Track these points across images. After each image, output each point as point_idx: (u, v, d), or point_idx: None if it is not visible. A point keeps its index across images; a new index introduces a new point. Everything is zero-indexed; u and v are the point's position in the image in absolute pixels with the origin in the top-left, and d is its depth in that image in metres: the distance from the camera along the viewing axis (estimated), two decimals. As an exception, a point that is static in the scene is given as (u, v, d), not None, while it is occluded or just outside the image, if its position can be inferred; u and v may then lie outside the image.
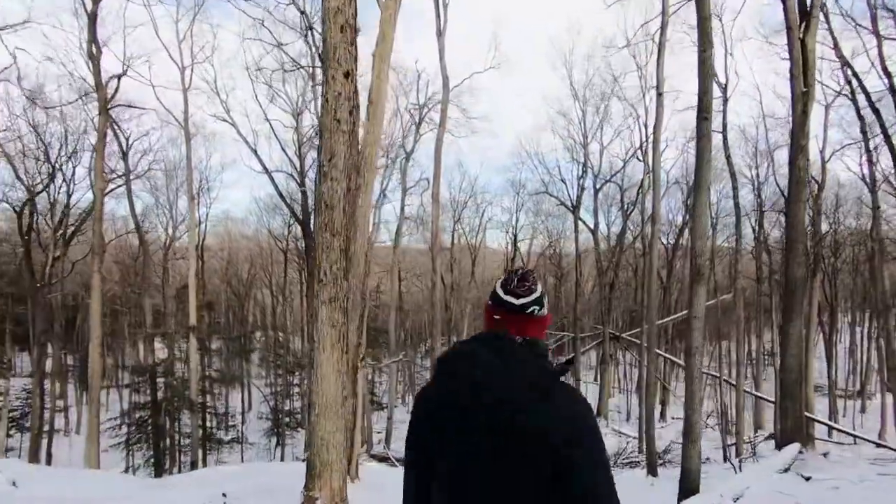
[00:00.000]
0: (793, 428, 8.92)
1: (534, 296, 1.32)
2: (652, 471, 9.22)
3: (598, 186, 23.99)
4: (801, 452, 8.30)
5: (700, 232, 5.22)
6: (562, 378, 1.26)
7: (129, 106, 13.62)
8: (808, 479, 6.06)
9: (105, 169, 19.11)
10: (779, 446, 8.73)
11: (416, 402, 1.37)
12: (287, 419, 24.97)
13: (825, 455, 8.57)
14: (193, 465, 17.64)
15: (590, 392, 29.33)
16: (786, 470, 7.05)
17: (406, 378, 32.75)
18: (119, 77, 11.56)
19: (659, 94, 9.50)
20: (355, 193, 6.45)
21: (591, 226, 24.47)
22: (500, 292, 1.33)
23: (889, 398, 21.80)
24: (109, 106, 10.58)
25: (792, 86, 8.93)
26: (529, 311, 1.31)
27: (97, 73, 10.27)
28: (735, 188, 14.99)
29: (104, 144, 10.50)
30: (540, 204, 29.85)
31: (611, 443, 19.26)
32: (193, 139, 19.46)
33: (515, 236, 30.69)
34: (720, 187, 24.06)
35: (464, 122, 18.80)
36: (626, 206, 24.81)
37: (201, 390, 20.25)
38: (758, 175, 22.05)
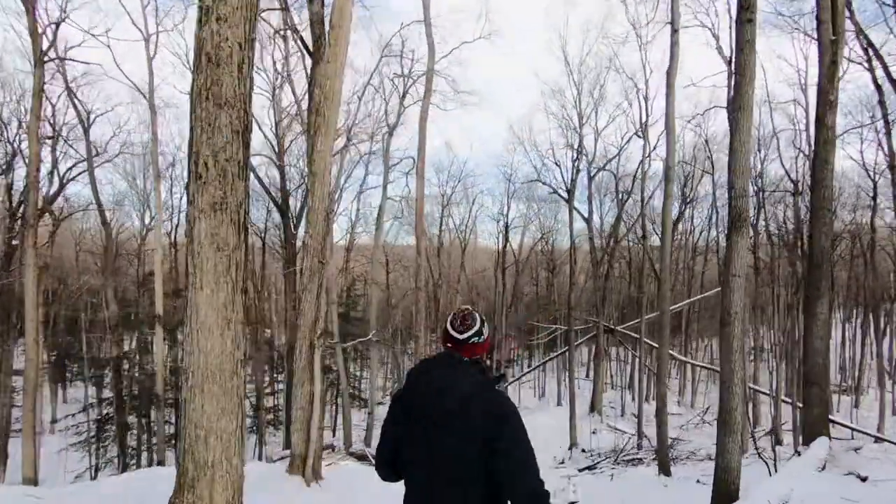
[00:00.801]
0: (818, 419, 7.92)
1: (472, 331, 1.88)
2: (664, 469, 8.17)
3: (592, 174, 22.95)
4: (829, 448, 7.31)
5: (740, 168, 4.13)
6: (496, 387, 1.84)
7: (72, 60, 12.28)
8: (864, 479, 5.04)
9: (63, 145, 17.94)
10: (804, 441, 7.72)
11: (392, 401, 1.96)
12: (269, 416, 23.88)
13: (857, 451, 7.57)
14: (160, 465, 16.48)
15: (583, 388, 28.29)
16: (822, 468, 6.02)
17: (395, 376, 31.60)
18: (57, 24, 10.22)
19: (674, 31, 8.33)
20: (314, 133, 5.31)
21: (585, 214, 23.43)
22: (449, 328, 1.90)
23: (887, 395, 21.02)
24: (45, 58, 9.35)
25: (819, 33, 7.89)
26: (470, 341, 1.88)
27: (32, 20, 8.96)
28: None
29: (40, 101, 9.23)
30: (532, 192, 28.80)
31: (607, 440, 18.26)
32: (163, 118, 18.23)
33: (507, 226, 29.53)
34: (717, 177, 23.23)
35: (452, 95, 17.63)
36: (620, 196, 23.83)
37: (172, 385, 19.03)
38: (759, 159, 21.20)
